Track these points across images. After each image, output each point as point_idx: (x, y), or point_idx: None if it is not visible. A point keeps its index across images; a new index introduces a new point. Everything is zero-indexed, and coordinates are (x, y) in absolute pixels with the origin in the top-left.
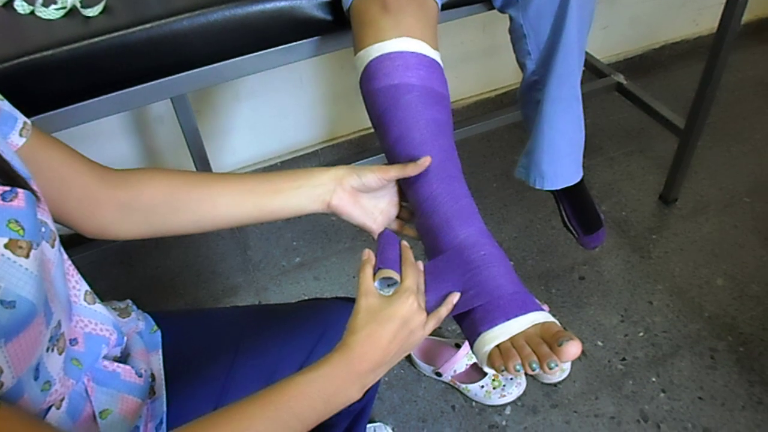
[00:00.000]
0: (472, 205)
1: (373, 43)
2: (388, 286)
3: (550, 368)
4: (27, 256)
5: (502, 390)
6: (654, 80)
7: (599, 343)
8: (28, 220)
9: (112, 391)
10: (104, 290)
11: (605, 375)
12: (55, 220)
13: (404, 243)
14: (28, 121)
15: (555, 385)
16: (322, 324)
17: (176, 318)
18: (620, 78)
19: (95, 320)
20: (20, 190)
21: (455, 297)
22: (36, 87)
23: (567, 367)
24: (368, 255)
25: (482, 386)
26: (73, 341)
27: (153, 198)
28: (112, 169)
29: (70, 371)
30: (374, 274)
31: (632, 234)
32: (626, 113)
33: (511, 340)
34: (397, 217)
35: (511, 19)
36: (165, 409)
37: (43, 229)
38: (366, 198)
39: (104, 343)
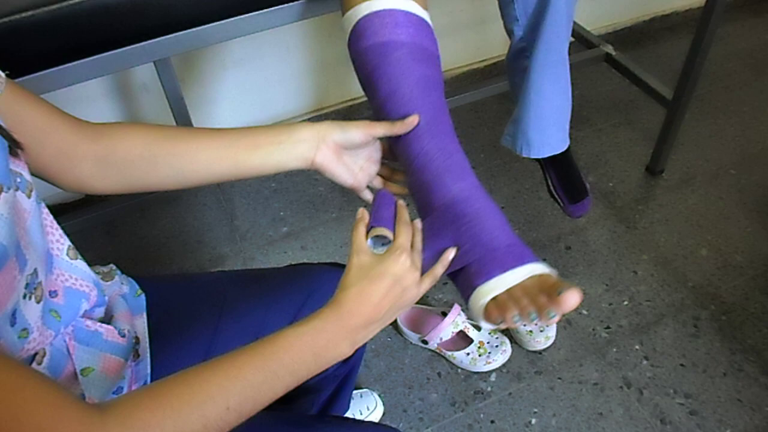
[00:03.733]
0: (464, 160)
1: (361, 2)
2: (382, 245)
3: (550, 318)
4: None
5: (488, 357)
6: (643, 52)
7: (584, 312)
8: None
9: (93, 350)
10: (90, 259)
11: (589, 343)
12: (34, 174)
13: (400, 202)
14: (2, 74)
15: (540, 352)
16: (307, 288)
17: (161, 282)
18: (609, 49)
19: (75, 275)
20: None
21: (451, 253)
22: (16, 49)
23: (552, 334)
24: (362, 214)
25: (468, 353)
26: (53, 293)
27: (130, 152)
28: (90, 123)
29: (49, 322)
30: (367, 233)
31: (618, 205)
32: (614, 85)
33: (508, 292)
34: (378, 174)
35: None
36: (149, 371)
37: (18, 180)
38: (347, 154)
39: (84, 298)
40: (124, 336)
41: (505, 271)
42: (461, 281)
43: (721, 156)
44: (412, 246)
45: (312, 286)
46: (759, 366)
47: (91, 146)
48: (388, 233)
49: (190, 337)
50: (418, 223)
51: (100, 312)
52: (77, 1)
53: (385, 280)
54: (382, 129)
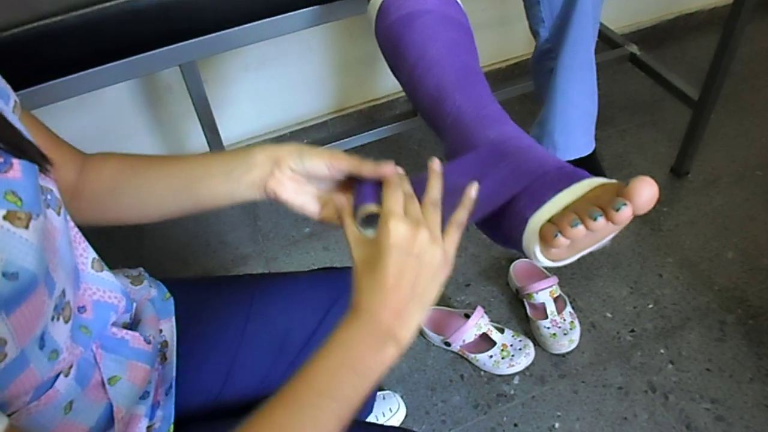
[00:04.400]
0: (502, 111)
1: None
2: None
3: (618, 211)
4: (27, 227)
5: (511, 360)
6: (668, 51)
7: (608, 315)
8: (25, 190)
9: (120, 358)
10: (115, 260)
11: (614, 346)
12: None
13: (387, 162)
14: (17, 99)
15: (563, 355)
16: (334, 291)
17: (188, 285)
18: (634, 48)
19: (103, 287)
20: (15, 161)
21: (472, 189)
22: (45, 53)
23: (576, 338)
24: (341, 202)
25: (491, 356)
26: (81, 309)
27: (99, 184)
28: (80, 154)
29: (79, 339)
30: (356, 216)
31: None
32: (639, 84)
33: (565, 208)
34: None
35: None
36: (174, 374)
37: (48, 197)
38: (315, 184)
39: (112, 311)
40: (149, 343)
41: (559, 192)
42: (509, 228)
43: (747, 157)
44: (426, 195)
45: (338, 289)
46: None
47: (72, 178)
48: (374, 208)
49: (217, 340)
50: (435, 164)
51: (125, 317)
52: (105, 6)
53: (388, 261)
54: (347, 163)
